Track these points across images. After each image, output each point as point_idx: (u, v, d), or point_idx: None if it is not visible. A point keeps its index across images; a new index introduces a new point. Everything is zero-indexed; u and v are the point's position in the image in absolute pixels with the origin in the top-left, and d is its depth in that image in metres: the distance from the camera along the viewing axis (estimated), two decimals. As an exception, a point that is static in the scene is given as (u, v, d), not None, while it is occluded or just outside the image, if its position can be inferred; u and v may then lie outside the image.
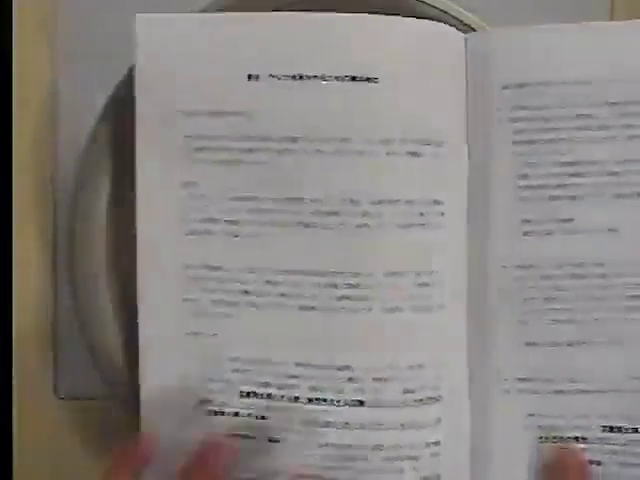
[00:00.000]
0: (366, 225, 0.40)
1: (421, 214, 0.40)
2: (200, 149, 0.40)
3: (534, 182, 0.42)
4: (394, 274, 0.40)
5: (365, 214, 0.40)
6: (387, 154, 0.40)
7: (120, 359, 0.43)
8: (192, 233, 0.40)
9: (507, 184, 0.42)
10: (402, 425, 0.40)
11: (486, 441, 0.42)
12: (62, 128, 0.47)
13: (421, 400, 0.40)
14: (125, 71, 0.41)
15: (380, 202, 0.40)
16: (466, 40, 0.42)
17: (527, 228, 0.42)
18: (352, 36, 0.40)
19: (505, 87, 0.41)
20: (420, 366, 0.40)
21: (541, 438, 0.42)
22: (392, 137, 0.40)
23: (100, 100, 0.42)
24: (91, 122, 0.42)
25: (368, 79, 0.39)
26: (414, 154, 0.40)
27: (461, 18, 0.42)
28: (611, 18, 0.47)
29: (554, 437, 0.42)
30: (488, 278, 0.42)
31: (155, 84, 0.40)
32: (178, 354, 0.41)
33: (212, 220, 0.40)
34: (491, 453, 0.42)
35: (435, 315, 0.41)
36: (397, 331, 0.40)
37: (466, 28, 0.42)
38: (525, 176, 0.42)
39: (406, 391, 0.40)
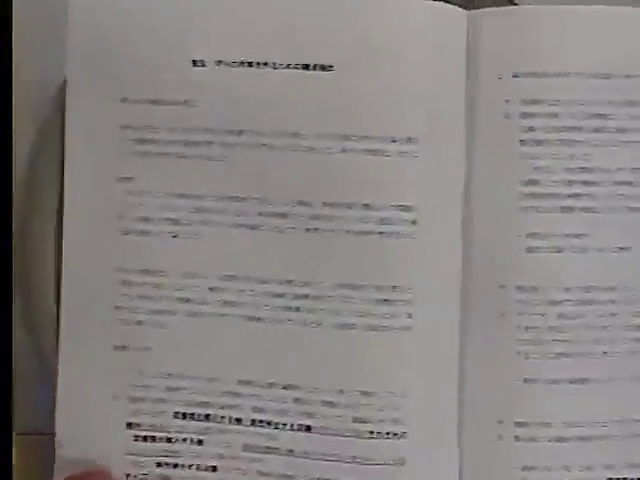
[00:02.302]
0: (317, 229, 0.36)
1: (382, 220, 0.36)
2: (138, 141, 0.37)
3: (543, 190, 0.36)
4: (347, 286, 0.36)
5: (316, 217, 0.36)
6: (343, 151, 0.36)
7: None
8: (127, 233, 0.37)
9: (510, 190, 0.36)
10: (353, 458, 0.35)
11: None
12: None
13: (379, 433, 0.35)
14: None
15: (333, 205, 0.36)
16: (469, 18, 0.37)
17: (532, 243, 0.36)
18: (305, 20, 0.36)
19: (515, 75, 0.36)
20: (373, 394, 0.35)
21: None
22: (349, 132, 0.36)
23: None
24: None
25: (322, 67, 0.36)
26: (375, 152, 0.35)
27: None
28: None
29: None
30: (484, 300, 0.36)
31: (89, 66, 0.37)
32: (103, 371, 0.37)
33: (150, 219, 0.37)
34: None
35: (397, 337, 0.36)
36: (348, 351, 0.36)
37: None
38: (532, 182, 0.36)
39: (356, 420, 0.35)
